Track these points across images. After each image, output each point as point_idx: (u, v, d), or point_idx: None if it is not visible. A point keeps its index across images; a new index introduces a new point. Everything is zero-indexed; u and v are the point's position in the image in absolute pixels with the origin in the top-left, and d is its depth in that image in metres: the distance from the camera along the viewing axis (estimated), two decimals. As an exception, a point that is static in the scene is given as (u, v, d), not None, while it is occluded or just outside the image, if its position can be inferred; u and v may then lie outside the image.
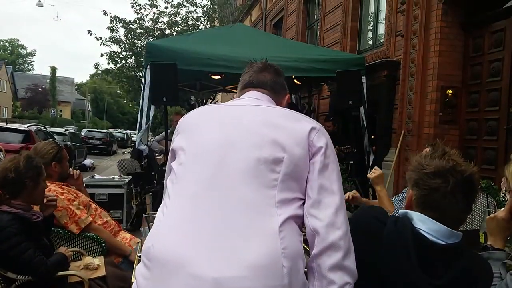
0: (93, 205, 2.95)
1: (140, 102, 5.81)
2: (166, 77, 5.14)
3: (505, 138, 4.68)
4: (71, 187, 2.92)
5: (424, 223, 1.28)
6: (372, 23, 7.75)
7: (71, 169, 3.15)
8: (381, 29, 7.07)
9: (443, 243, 1.26)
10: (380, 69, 6.34)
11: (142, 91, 5.78)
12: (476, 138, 5.10)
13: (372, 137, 6.52)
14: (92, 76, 67.12)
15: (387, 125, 6.33)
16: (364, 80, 6.05)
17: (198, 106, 9.08)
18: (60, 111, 50.77)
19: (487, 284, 1.29)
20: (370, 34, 7.75)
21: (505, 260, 1.60)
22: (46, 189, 2.42)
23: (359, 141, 6.40)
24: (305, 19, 10.44)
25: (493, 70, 4.87)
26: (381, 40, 6.95)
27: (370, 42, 7.58)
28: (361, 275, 1.24)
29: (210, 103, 13.51)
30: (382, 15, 7.05)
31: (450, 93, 5.27)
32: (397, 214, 1.37)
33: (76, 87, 61.34)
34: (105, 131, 28.06)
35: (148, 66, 5.41)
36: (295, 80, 6.90)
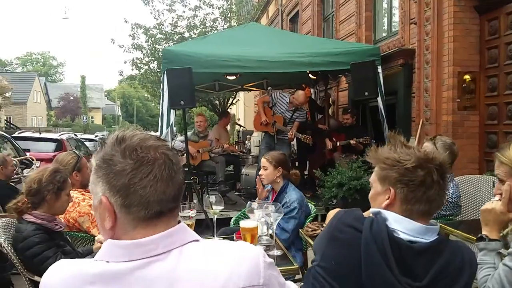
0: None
1: (160, 107, 5.99)
2: (182, 81, 5.26)
3: (526, 121, 4.58)
4: (92, 194, 3.09)
5: (400, 223, 1.27)
6: (386, 12, 7.66)
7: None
8: (396, 18, 6.99)
9: (422, 241, 1.26)
10: (396, 58, 6.27)
11: (161, 96, 5.96)
12: (497, 123, 5.00)
13: (396, 127, 6.46)
14: (120, 81, 68.87)
15: (406, 114, 6.27)
16: (380, 70, 6.01)
17: (220, 106, 9.28)
18: (92, 117, 52.40)
19: (471, 274, 1.29)
20: (385, 23, 7.66)
21: (499, 250, 1.62)
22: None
23: (378, 132, 6.37)
24: (321, 11, 10.39)
25: (510, 52, 4.76)
26: (396, 29, 6.87)
27: (385, 31, 7.50)
28: (344, 285, 1.25)
29: (232, 101, 13.64)
30: (396, 3, 6.96)
31: (468, 79, 5.19)
32: (371, 214, 1.36)
33: (105, 93, 63.05)
34: (134, 134, 28.70)
35: (165, 72, 5.58)
36: (310, 75, 6.92)
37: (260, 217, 2.22)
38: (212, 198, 2.42)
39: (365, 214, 1.49)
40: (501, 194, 1.64)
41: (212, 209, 2.43)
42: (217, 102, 13.50)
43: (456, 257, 1.28)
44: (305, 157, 7.81)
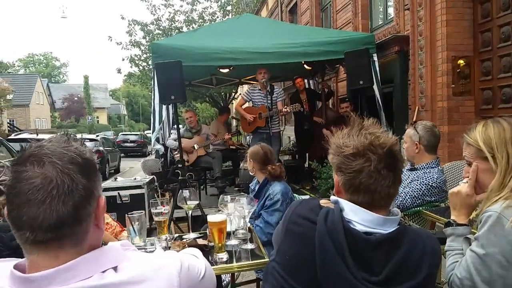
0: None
1: (152, 103, 5.92)
2: (172, 75, 5.16)
3: (522, 104, 4.48)
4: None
5: (356, 214, 1.19)
6: (382, -1, 7.54)
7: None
8: (391, 5, 6.87)
9: (380, 232, 1.18)
10: (391, 46, 6.16)
11: (152, 92, 5.89)
12: (491, 108, 4.89)
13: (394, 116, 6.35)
14: (125, 80, 68.98)
15: (403, 102, 6.16)
16: (375, 58, 5.90)
17: (222, 101, 9.20)
18: (97, 117, 52.50)
19: (432, 265, 1.21)
20: (381, 11, 7.54)
21: (467, 235, 1.54)
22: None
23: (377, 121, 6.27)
24: (318, 1, 10.27)
25: (503, 35, 4.64)
26: (392, 16, 6.75)
27: (381, 19, 7.38)
28: (299, 281, 1.19)
29: (234, 96, 13.56)
30: (391, -11, 6.84)
31: (462, 63, 5.08)
32: (329, 201, 1.28)
33: (110, 92, 63.17)
34: (139, 133, 28.82)
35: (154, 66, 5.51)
36: (305, 66, 6.82)
37: (234, 211, 2.16)
38: (186, 193, 2.37)
39: (325, 202, 1.42)
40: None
41: (187, 204, 2.38)
42: (220, 98, 13.44)
43: (416, 248, 1.20)
44: (304, 150, 7.75)
